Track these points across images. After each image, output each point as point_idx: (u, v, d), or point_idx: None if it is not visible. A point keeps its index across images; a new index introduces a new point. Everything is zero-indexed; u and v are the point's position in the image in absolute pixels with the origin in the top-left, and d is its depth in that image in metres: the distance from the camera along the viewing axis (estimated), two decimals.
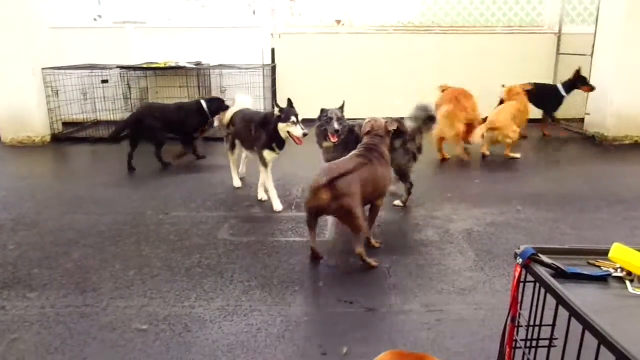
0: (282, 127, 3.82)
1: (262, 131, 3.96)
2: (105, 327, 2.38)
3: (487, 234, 3.52)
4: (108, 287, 2.76)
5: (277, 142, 3.94)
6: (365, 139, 3.35)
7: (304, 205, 3.34)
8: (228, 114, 4.45)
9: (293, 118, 3.79)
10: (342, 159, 3.21)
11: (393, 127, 3.43)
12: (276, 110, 3.86)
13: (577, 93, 6.52)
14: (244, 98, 4.61)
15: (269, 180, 4.02)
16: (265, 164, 4.00)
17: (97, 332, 2.34)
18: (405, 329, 2.38)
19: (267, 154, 3.98)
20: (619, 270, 1.37)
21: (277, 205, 3.96)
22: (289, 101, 3.87)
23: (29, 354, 2.18)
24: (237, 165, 4.65)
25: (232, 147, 4.47)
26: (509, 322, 1.52)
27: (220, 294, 2.69)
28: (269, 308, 2.56)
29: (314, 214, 3.03)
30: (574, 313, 1.17)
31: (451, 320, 2.45)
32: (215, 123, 5.07)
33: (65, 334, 2.33)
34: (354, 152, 3.26)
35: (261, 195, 4.22)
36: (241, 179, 4.66)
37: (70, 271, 2.95)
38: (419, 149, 3.99)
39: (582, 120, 6.89)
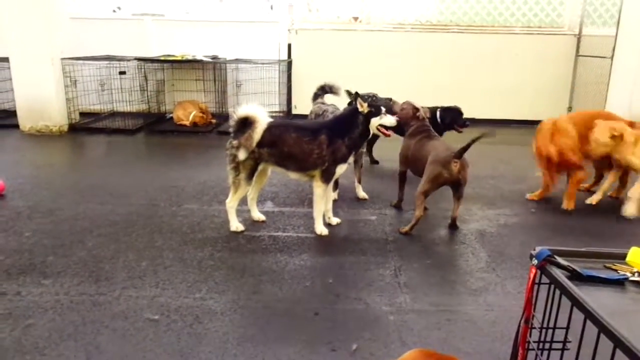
0: (374, 122, 3.36)
1: (337, 141, 3.30)
2: (118, 316, 2.41)
3: (500, 235, 3.49)
4: (121, 277, 2.79)
5: (357, 148, 3.47)
6: (416, 123, 3.77)
7: (429, 179, 3.39)
8: (257, 133, 3.25)
9: (383, 108, 3.41)
10: (432, 142, 3.59)
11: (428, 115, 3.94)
12: (361, 106, 3.31)
13: (593, 97, 6.41)
14: (256, 109, 3.31)
15: (321, 202, 3.42)
16: (329, 181, 3.41)
17: (109, 320, 2.37)
18: (416, 327, 2.37)
19: (341, 168, 3.40)
20: (636, 274, 1.35)
21: (322, 229, 3.45)
22: (357, 94, 3.38)
23: (43, 339, 2.21)
24: (238, 204, 3.51)
25: (251, 176, 3.37)
26: (522, 323, 1.51)
27: (231, 287, 2.71)
28: (279, 303, 2.57)
29: (438, 185, 3.44)
30: (589, 316, 1.15)
31: (462, 320, 2.44)
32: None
33: (78, 321, 2.36)
34: (418, 135, 3.70)
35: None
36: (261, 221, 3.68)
37: (85, 260, 2.98)
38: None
39: None
